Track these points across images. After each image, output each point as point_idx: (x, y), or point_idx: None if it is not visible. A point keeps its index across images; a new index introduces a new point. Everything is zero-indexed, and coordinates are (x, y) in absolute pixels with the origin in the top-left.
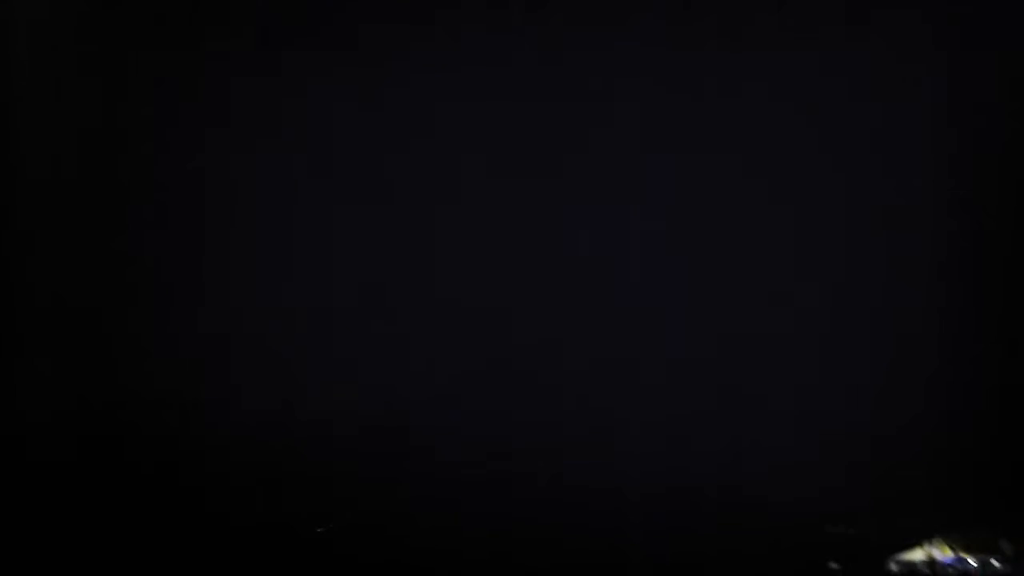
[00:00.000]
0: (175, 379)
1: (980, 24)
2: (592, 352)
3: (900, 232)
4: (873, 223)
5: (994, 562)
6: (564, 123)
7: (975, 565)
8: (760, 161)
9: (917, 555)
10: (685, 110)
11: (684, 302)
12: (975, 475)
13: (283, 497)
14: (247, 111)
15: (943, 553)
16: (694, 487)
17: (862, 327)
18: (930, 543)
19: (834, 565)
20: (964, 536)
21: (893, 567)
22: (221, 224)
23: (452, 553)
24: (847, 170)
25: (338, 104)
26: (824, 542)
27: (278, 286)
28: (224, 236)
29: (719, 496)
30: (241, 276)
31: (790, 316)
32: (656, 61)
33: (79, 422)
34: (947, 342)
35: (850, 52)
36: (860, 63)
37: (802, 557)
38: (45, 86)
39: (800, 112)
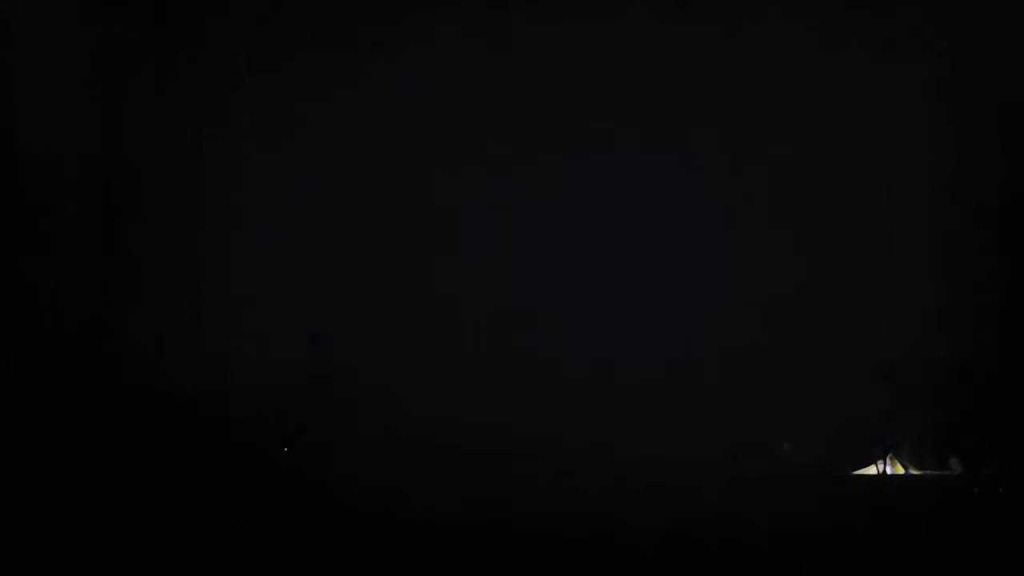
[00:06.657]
0: (175, 377)
1: (980, 25)
2: (592, 349)
3: (901, 231)
4: (873, 222)
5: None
6: (564, 123)
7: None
8: (760, 162)
9: (871, 471)
10: (686, 111)
11: (687, 298)
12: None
13: (282, 495)
14: (247, 111)
15: (895, 470)
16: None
17: (865, 311)
18: (884, 462)
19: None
20: (916, 455)
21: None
22: (221, 224)
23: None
24: (847, 171)
25: (339, 105)
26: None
27: (278, 285)
28: (224, 236)
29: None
30: (241, 275)
31: (790, 312)
32: (656, 62)
33: (78, 420)
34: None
35: (850, 52)
36: (860, 63)
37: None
38: (46, 86)
39: (800, 114)
